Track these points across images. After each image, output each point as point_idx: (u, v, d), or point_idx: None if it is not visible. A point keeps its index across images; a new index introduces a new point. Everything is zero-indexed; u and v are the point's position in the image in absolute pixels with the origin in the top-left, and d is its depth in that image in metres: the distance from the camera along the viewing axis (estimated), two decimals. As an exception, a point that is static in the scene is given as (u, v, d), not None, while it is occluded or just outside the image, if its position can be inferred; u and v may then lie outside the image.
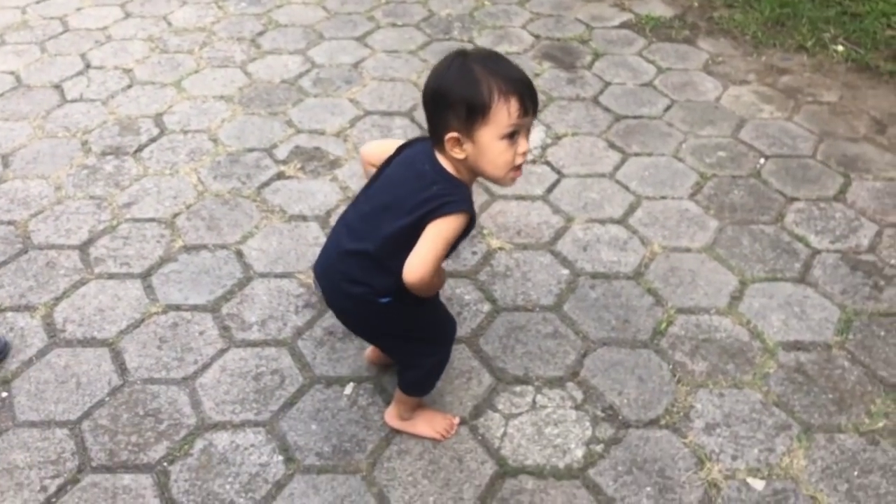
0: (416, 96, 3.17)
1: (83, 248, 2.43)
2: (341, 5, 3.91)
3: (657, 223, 2.53)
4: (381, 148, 1.71)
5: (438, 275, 1.56)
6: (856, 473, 1.78)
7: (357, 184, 2.69)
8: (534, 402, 1.96)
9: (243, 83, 3.27)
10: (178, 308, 2.23)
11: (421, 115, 3.05)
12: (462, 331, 2.14)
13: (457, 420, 1.90)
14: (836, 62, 3.43)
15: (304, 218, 2.55)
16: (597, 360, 2.06)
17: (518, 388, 1.99)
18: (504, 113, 1.44)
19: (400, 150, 1.65)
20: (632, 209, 2.59)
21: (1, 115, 3.07)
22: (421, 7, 3.89)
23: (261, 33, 3.66)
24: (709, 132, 2.98)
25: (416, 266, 1.48)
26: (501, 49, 3.52)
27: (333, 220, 2.52)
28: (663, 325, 2.16)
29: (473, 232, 2.45)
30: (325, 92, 3.22)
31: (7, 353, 2.08)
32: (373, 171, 1.69)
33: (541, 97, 3.14)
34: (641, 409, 1.93)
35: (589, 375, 2.02)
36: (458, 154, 1.49)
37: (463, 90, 1.45)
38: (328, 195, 2.65)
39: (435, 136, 1.54)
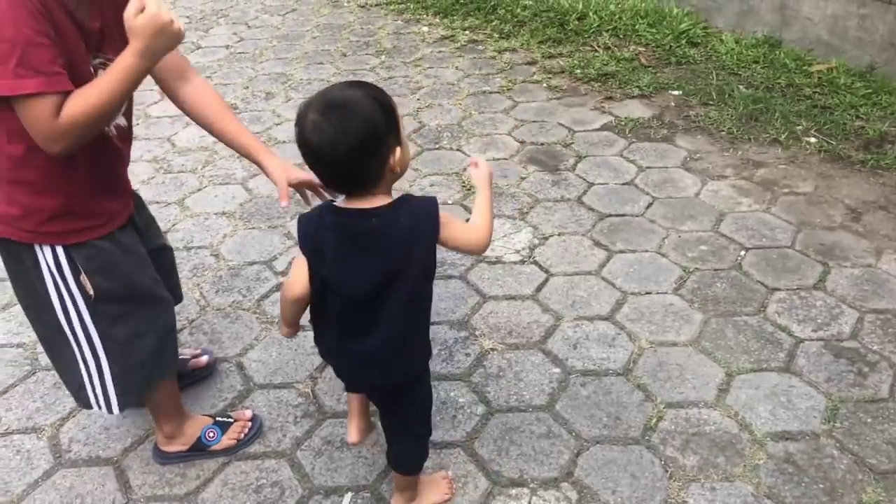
0: (408, 204, 3.31)
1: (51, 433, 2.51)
2: (336, 120, 4.11)
3: (643, 318, 2.61)
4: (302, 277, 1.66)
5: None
6: (849, 564, 1.81)
7: (353, 292, 2.79)
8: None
9: (244, 199, 3.42)
10: (180, 423, 2.29)
11: (413, 222, 3.18)
12: (457, 434, 2.19)
13: (449, 473, 2.06)
14: (809, 153, 3.59)
15: (302, 328, 2.63)
16: (590, 459, 2.10)
17: (514, 491, 2.03)
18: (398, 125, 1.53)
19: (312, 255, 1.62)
20: (618, 305, 2.68)
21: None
22: (411, 119, 4.09)
23: (260, 150, 3.84)
24: (690, 227, 3.10)
25: (483, 234, 1.69)
26: (489, 155, 3.69)
27: (331, 330, 2.61)
28: (654, 421, 2.21)
29: (465, 334, 2.55)
30: (321, 204, 3.36)
31: None
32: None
33: (527, 199, 3.31)
34: (635, 506, 1.97)
35: (583, 475, 2.06)
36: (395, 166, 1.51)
37: (389, 115, 1.48)
38: (325, 305, 2.74)
39: (372, 176, 1.49)
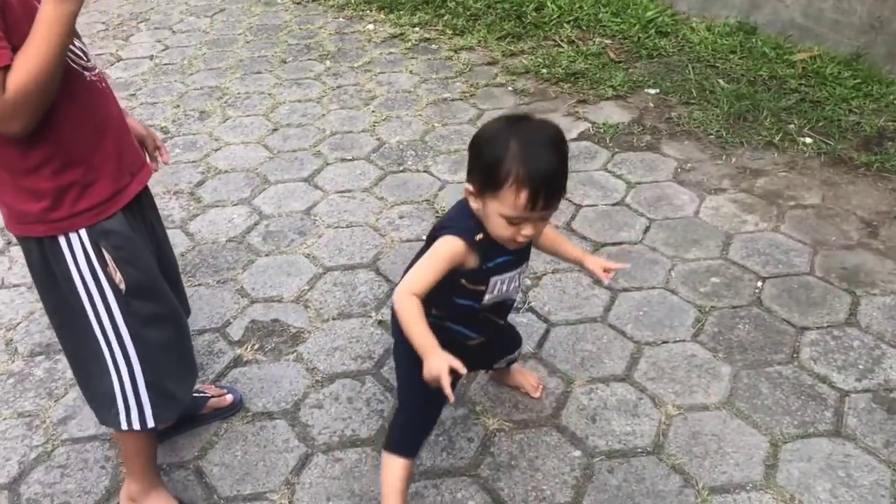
0: (377, 243, 2.91)
1: (12, 486, 2.06)
2: (284, 141, 3.67)
3: (665, 376, 2.28)
4: None
5: (413, 302, 1.53)
6: None
7: (324, 361, 2.39)
8: None
9: (185, 247, 2.96)
10: (131, 559, 1.87)
11: (386, 265, 2.79)
12: (472, 552, 1.83)
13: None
14: (808, 157, 3.30)
15: (269, 415, 2.23)
16: (633, 574, 1.77)
17: None
18: (511, 198, 1.45)
19: None
20: (634, 360, 2.34)
21: None
22: (369, 136, 3.67)
23: (199, 183, 3.38)
24: (696, 254, 2.78)
25: (403, 278, 1.58)
26: (460, 176, 3.30)
27: (303, 414, 2.21)
28: (700, 515, 1.89)
29: (464, 412, 2.18)
30: (277, 248, 2.93)
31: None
32: None
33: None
34: None
35: None
36: (473, 203, 1.55)
37: (487, 157, 1.48)
38: (294, 381, 2.34)
39: (467, 176, 1.57)
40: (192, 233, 3.05)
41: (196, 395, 2.20)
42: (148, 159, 1.86)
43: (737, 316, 2.49)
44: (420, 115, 3.84)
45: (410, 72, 4.31)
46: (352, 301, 2.64)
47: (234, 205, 3.22)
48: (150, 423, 1.76)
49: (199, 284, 2.76)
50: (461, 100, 3.97)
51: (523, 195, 1.44)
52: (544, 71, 4.15)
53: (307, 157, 3.53)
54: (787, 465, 1.99)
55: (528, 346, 2.40)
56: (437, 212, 3.08)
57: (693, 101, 3.77)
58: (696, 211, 3.01)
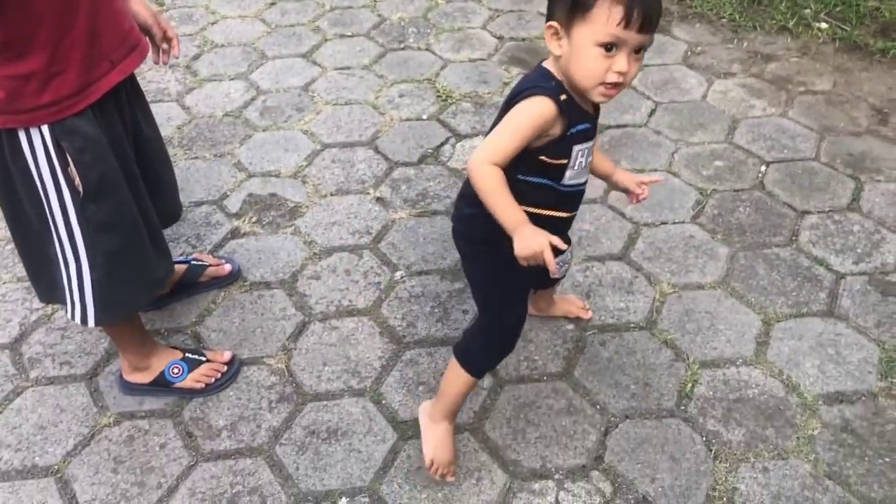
0: (376, 121, 2.86)
1: (14, 346, 2.10)
2: (282, 16, 3.55)
3: (662, 256, 2.28)
4: None
5: (493, 171, 1.35)
6: (932, 559, 1.58)
7: (322, 235, 2.39)
8: (557, 501, 1.71)
9: (182, 120, 2.91)
10: (132, 416, 1.92)
11: (385, 143, 2.75)
12: (463, 415, 1.87)
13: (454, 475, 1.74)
14: (822, 42, 3.20)
15: (267, 285, 2.25)
16: (621, 439, 1.81)
17: (537, 486, 1.73)
18: (604, 16, 1.27)
19: None
20: (631, 241, 2.33)
21: None
22: (369, 12, 3.55)
23: (196, 56, 3.29)
24: (700, 138, 2.73)
25: (479, 147, 1.38)
26: (463, 55, 3.22)
27: (301, 285, 2.22)
28: (689, 386, 1.92)
29: (461, 285, 2.19)
30: (275, 124, 2.88)
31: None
32: None
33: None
34: (680, 497, 1.70)
35: (615, 460, 1.77)
36: (556, 49, 1.36)
37: None
38: (292, 253, 2.34)
39: (547, 19, 1.40)
40: (188, 106, 2.99)
41: (195, 262, 2.21)
42: (151, 50, 1.72)
43: (738, 199, 2.46)
44: (423, -9, 3.70)
45: (414, -53, 4.12)
46: (350, 178, 2.61)
47: (231, 79, 3.14)
48: (91, 323, 1.71)
49: (196, 157, 2.73)
50: (467, -23, 3.81)
51: (618, 7, 1.26)
52: (554, -52, 3.97)
53: (306, 32, 3.42)
54: (778, 342, 2.02)
55: (526, 225, 2.39)
56: (439, 91, 3.01)
57: (707, -17, 3.62)
58: (704, 95, 2.94)
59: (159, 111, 2.93)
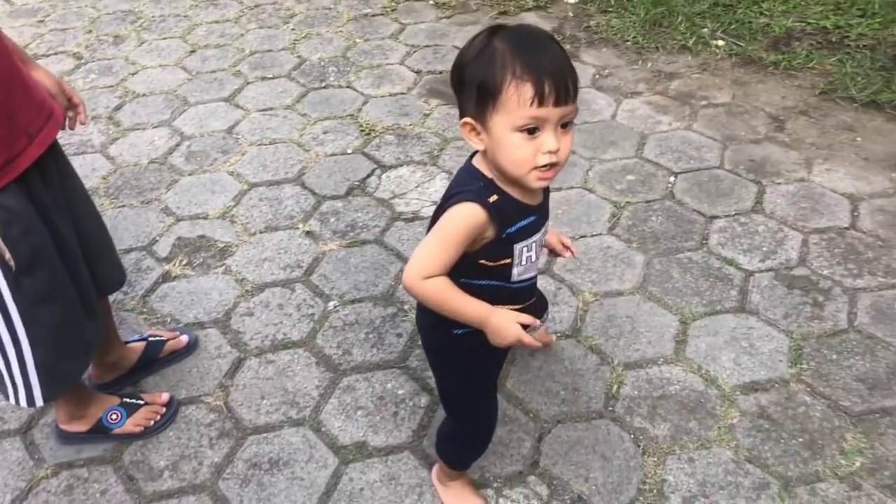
0: (302, 158, 2.92)
1: (-56, 407, 2.07)
2: (202, 63, 3.60)
3: (582, 267, 2.38)
4: None
5: (434, 283, 1.28)
6: (846, 527, 1.69)
7: (253, 272, 2.43)
8: (497, 508, 1.77)
9: (107, 170, 2.92)
10: (70, 466, 1.91)
11: (311, 178, 2.81)
12: (402, 435, 1.92)
13: None
14: (720, 58, 3.40)
15: (201, 325, 2.27)
16: (554, 443, 1.89)
17: (477, 495, 1.79)
18: (514, 99, 1.18)
19: None
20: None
21: None
22: (289, 54, 3.62)
23: (118, 107, 3.30)
24: (612, 155, 2.87)
25: (410, 259, 1.30)
26: (384, 90, 3.31)
27: (234, 322, 2.25)
28: (615, 388, 2.01)
29: (393, 311, 2.25)
30: (200, 167, 2.91)
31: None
32: None
33: (435, 140, 2.98)
34: (612, 493, 1.78)
35: (550, 463, 1.84)
36: (477, 144, 1.27)
37: (475, 69, 1.22)
38: (223, 292, 2.37)
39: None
40: (112, 156, 3.00)
41: (153, 339, 2.15)
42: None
43: (650, 209, 2.60)
44: (341, 31, 3.80)
45: (330, -11, 4.24)
46: (278, 214, 2.66)
47: (155, 127, 3.17)
48: (39, 403, 1.68)
49: (123, 206, 2.74)
50: (382, 15, 3.93)
51: (527, 88, 1.17)
52: (465, -16, 4.13)
53: (227, 76, 3.48)
54: (695, 340, 2.13)
55: (452, 248, 2.47)
56: (362, 126, 3.09)
57: (611, 10, 3.82)
58: (613, 114, 3.10)
59: (83, 163, 2.95)
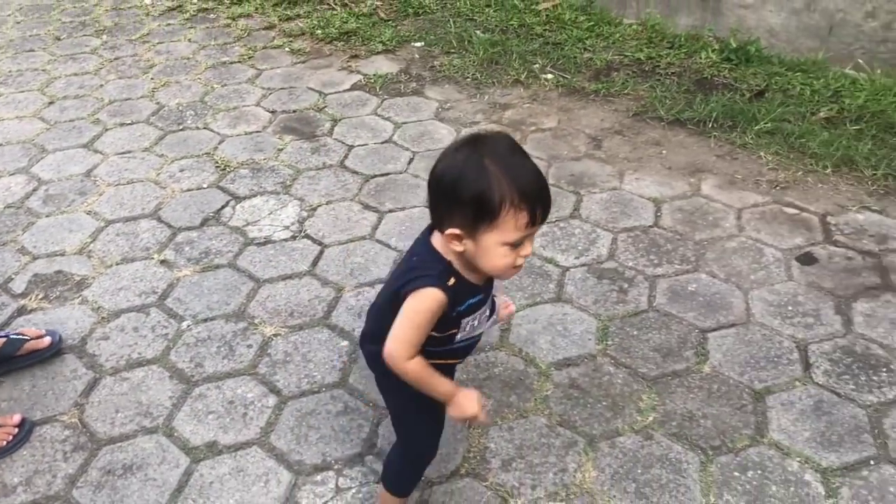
0: (158, 195, 3.06)
1: None
2: (61, 113, 3.69)
3: (422, 275, 2.61)
4: None
5: (415, 364, 1.47)
6: (639, 471, 1.95)
7: (109, 301, 2.54)
8: (337, 486, 1.94)
9: (-41, 216, 2.97)
10: (-78, 492, 1.96)
11: (167, 212, 2.95)
12: (251, 432, 2.08)
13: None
14: (548, 90, 3.77)
15: (57, 352, 2.36)
16: (390, 427, 2.08)
17: (319, 477, 1.96)
18: (511, 223, 1.34)
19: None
20: (395, 265, 2.66)
21: None
22: (148, 101, 3.77)
23: (-29, 158, 3.35)
24: (452, 176, 3.14)
25: (388, 342, 1.47)
26: (240, 129, 3.50)
27: (90, 347, 2.36)
28: (446, 374, 2.23)
29: (244, 325, 2.41)
30: (58, 209, 3.00)
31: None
32: None
33: (288, 172, 3.19)
34: (441, 462, 1.98)
35: (386, 444, 2.04)
36: (457, 247, 1.41)
37: (473, 191, 1.33)
38: (80, 320, 2.47)
39: (436, 222, 1.45)
40: (-34, 203, 3.05)
41: (14, 336, 2.25)
42: None
43: (484, 221, 2.87)
44: (199, 78, 3.98)
45: (189, 40, 4.41)
46: (135, 247, 2.78)
47: (11, 174, 3.23)
48: None
49: (-23, 249, 2.80)
50: (240, 62, 4.14)
51: (523, 215, 1.33)
52: (319, 32, 4.40)
53: (86, 125, 3.58)
54: (517, 328, 2.39)
55: (302, 267, 2.67)
56: (218, 162, 3.26)
57: (453, 51, 4.16)
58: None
59: (-65, 211, 2.98)
